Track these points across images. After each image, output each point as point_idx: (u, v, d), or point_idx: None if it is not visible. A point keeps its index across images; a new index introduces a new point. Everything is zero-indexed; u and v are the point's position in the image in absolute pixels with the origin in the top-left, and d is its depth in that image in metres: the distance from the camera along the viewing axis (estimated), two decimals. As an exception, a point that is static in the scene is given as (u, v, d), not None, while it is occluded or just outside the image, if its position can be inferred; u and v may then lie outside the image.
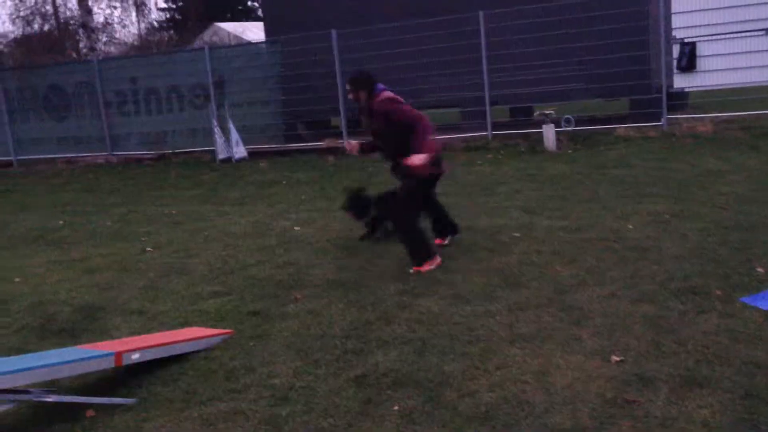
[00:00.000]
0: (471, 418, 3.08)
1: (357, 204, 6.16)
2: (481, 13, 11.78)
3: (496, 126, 12.37)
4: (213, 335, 4.13)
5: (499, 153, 10.97)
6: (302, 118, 14.26)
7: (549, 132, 10.91)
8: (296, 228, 7.13)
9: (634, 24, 11.23)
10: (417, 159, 4.94)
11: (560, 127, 11.30)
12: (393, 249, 5.85)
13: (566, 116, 11.59)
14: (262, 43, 15.66)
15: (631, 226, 5.96)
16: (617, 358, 3.51)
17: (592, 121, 12.38)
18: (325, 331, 4.18)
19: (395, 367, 3.61)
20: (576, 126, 11.55)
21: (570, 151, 10.49)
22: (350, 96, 5.39)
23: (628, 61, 11.30)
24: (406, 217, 5.27)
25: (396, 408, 3.20)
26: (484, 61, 11.96)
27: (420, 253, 5.23)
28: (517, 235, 5.99)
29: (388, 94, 5.25)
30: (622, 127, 11.42)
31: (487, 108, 12.17)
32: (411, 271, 5.16)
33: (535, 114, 12.30)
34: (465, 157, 10.84)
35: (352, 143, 5.87)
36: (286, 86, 13.68)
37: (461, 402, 3.22)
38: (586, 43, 11.28)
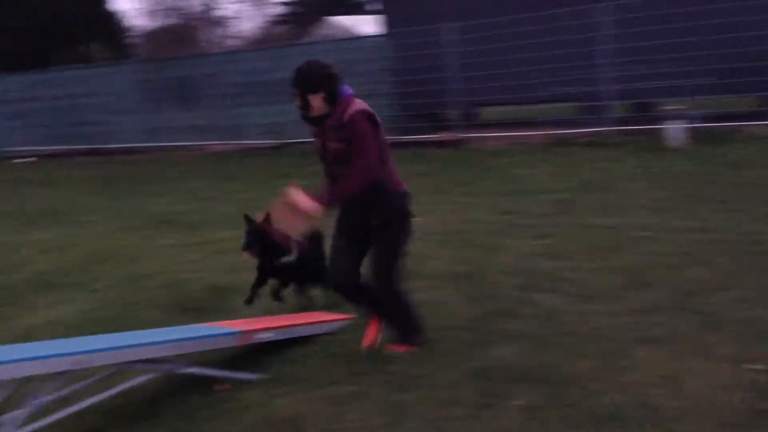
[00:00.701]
0: (596, 418, 3.01)
1: (258, 241, 4.33)
2: (608, 5, 11.42)
3: (618, 121, 11.96)
4: (335, 320, 4.24)
5: (621, 149, 10.61)
6: (414, 110, 14.31)
7: (675, 128, 10.44)
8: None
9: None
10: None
11: (686, 123, 10.78)
12: (510, 243, 5.81)
13: (693, 112, 11.04)
14: (374, 36, 15.87)
15: (766, 230, 5.62)
16: (752, 367, 3.33)
17: (720, 117, 11.73)
18: (444, 322, 4.19)
19: (516, 362, 3.58)
20: (703, 122, 10.98)
21: (697, 149, 9.99)
22: (296, 102, 3.61)
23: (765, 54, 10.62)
24: (393, 282, 3.76)
25: (519, 402, 3.18)
26: (608, 54, 11.59)
27: (410, 327, 3.86)
28: (642, 234, 5.78)
29: (363, 105, 3.62)
30: (753, 125, 10.76)
31: (610, 102, 11.80)
32: (387, 350, 3.83)
33: (661, 109, 11.79)
34: (586, 153, 10.56)
35: (305, 202, 3.51)
36: (399, 79, 13.78)
37: (585, 401, 3.15)
38: (720, 36, 10.67)
